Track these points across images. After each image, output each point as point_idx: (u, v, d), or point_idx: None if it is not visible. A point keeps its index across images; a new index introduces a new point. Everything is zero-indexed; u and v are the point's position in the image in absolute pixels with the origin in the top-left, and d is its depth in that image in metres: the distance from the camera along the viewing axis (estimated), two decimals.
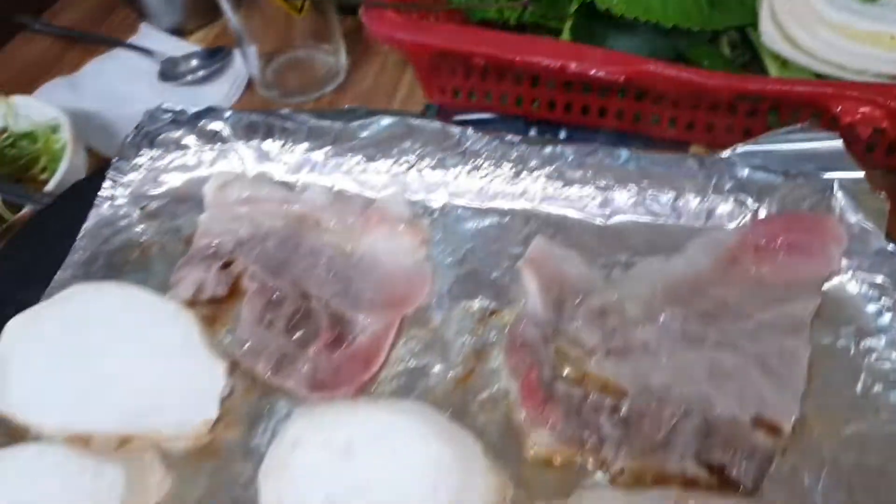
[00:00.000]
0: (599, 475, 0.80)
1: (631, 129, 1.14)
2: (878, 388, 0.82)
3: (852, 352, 0.85)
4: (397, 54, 1.37)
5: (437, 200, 1.06)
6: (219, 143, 1.13)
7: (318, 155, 1.11)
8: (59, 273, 1.03)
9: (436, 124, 1.07)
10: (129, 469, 0.85)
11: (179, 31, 1.56)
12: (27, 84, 1.47)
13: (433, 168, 1.07)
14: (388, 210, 1.06)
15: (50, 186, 1.16)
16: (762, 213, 0.97)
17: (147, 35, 1.55)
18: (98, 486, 0.83)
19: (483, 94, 1.21)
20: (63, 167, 1.18)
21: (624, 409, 0.82)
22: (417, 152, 1.07)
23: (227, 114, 1.13)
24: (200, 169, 1.13)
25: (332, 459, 0.81)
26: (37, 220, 1.11)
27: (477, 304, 0.95)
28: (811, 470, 0.77)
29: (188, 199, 1.11)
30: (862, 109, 0.94)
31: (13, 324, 0.97)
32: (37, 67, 1.54)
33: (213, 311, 1.00)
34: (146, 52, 1.49)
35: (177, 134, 1.13)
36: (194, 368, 0.92)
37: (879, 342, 0.85)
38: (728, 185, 0.99)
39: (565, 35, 1.18)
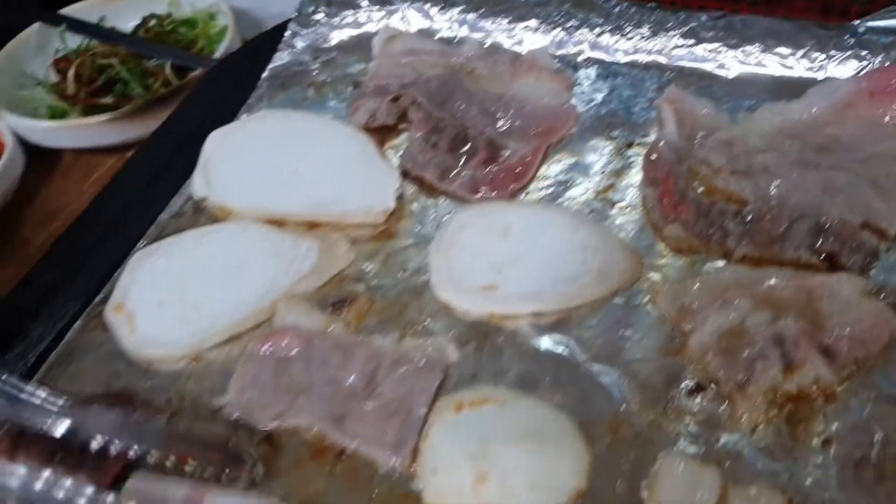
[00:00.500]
0: (721, 263, 0.93)
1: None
2: None
3: None
4: None
5: (581, 55, 1.20)
6: (387, 5, 1.30)
7: (473, 15, 1.26)
8: (245, 105, 1.21)
9: None
10: (320, 242, 1.02)
11: None
12: None
13: (578, 27, 1.22)
14: (535, 61, 1.21)
15: (217, 55, 1.35)
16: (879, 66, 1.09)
17: None
18: (295, 253, 1.01)
19: None
20: (225, 44, 1.36)
21: (746, 213, 0.95)
22: (564, 13, 1.22)
23: None
24: (369, 26, 1.31)
25: (493, 239, 0.97)
26: (216, 72, 1.30)
27: (616, 136, 1.09)
28: None
29: (358, 51, 1.29)
30: None
31: (215, 133, 1.16)
32: None
33: (381, 137, 1.16)
34: None
35: None
36: (373, 170, 1.08)
37: None
38: (849, 43, 1.10)
39: None
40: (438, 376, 0.84)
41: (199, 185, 1.08)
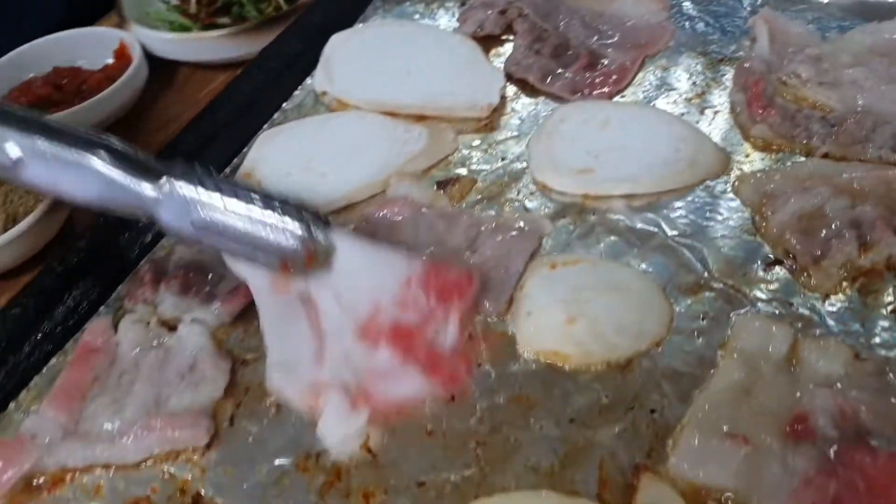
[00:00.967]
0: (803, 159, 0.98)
1: None
2: None
3: None
4: None
5: None
6: None
7: None
8: (361, 16, 1.31)
9: None
10: (429, 130, 1.10)
11: None
12: None
13: None
14: None
15: None
16: None
17: None
18: (407, 137, 1.09)
19: None
20: None
21: (831, 118, 0.99)
22: None
23: None
24: None
25: (592, 129, 1.03)
26: None
27: (709, 52, 1.14)
28: None
29: None
30: None
31: (336, 36, 1.24)
32: None
33: (487, 45, 1.23)
34: None
35: None
36: (479, 71, 1.16)
37: None
38: None
39: None
40: (534, 242, 0.91)
41: (321, 80, 1.18)
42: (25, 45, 1.33)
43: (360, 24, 1.25)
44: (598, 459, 0.73)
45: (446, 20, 1.27)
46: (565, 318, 0.80)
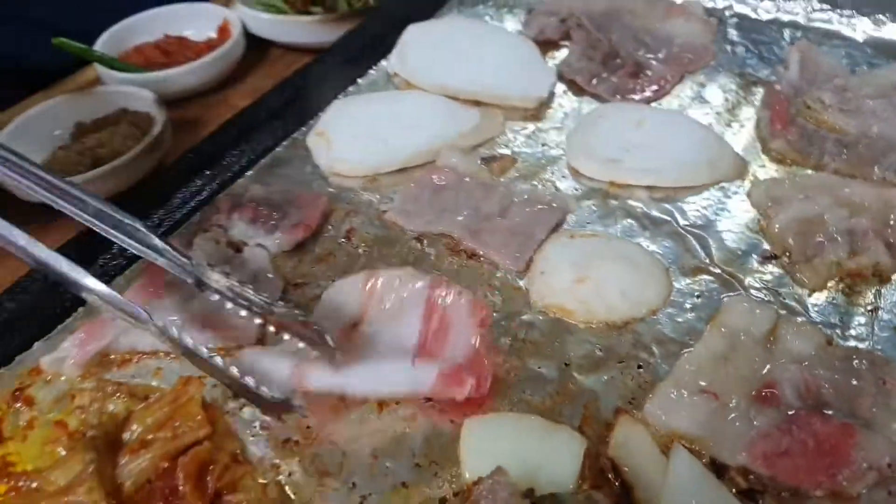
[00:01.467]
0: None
1: None
2: None
3: None
4: None
5: (728, 10, 1.32)
6: None
7: None
8: (437, 12, 1.41)
9: None
10: (482, 113, 1.18)
11: None
12: None
13: None
14: (687, 8, 1.33)
15: None
16: None
17: None
18: (461, 116, 1.17)
19: None
20: None
21: (845, 140, 1.04)
22: None
23: None
24: None
25: (627, 127, 1.09)
26: None
27: (745, 74, 1.20)
28: None
29: None
30: None
31: (413, 26, 1.33)
32: None
33: (545, 48, 1.31)
34: None
35: None
36: (533, 67, 1.23)
37: None
38: None
39: None
40: (559, 216, 0.99)
41: (395, 62, 1.27)
42: (143, 13, 1.44)
43: (436, 19, 1.33)
44: (585, 400, 0.79)
45: (512, 24, 1.35)
46: (574, 278, 0.87)
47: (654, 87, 1.15)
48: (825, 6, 1.23)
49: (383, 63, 1.27)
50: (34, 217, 0.93)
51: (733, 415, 0.73)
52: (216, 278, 0.81)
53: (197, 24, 1.45)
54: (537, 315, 0.86)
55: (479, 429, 0.74)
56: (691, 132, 1.05)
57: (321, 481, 0.74)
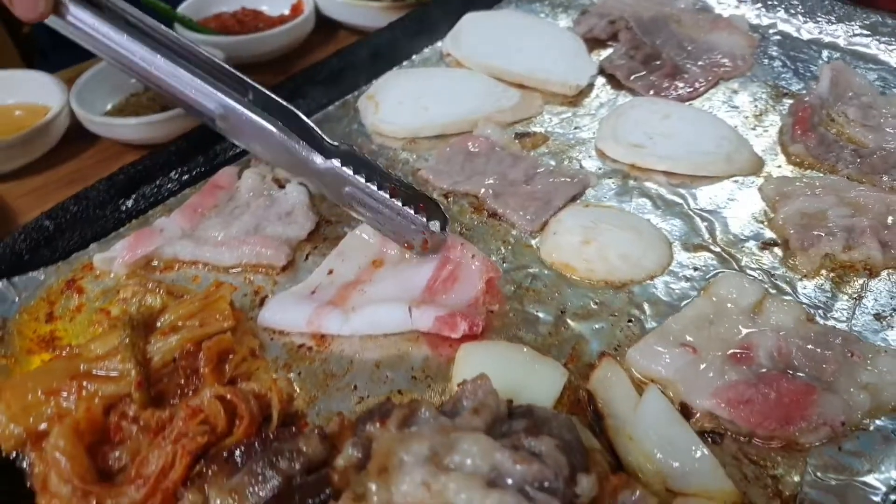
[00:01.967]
0: None
1: None
2: None
3: None
4: None
5: (772, 27, 1.40)
6: None
7: None
8: (497, 4, 1.52)
9: None
10: (522, 94, 1.29)
11: None
12: None
13: (776, 6, 1.42)
14: (732, 21, 1.42)
15: None
16: None
17: None
18: (502, 94, 1.27)
19: None
20: None
21: (861, 151, 1.12)
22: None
23: None
24: None
25: (655, 118, 1.18)
26: None
27: (777, 86, 1.28)
28: None
29: None
30: None
31: (470, 14, 1.44)
32: None
33: (591, 46, 1.41)
34: None
35: None
36: (578, 59, 1.32)
37: None
38: None
39: None
40: (578, 188, 1.08)
41: (449, 43, 1.38)
42: None
43: (493, 10, 1.44)
44: (574, 343, 0.88)
45: (564, 22, 1.45)
46: (581, 239, 0.96)
47: (688, 89, 1.23)
48: (866, 32, 1.29)
49: (438, 44, 1.38)
50: None
51: (708, 367, 0.80)
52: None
53: (273, 1, 1.56)
54: (543, 269, 0.95)
55: (473, 351, 0.84)
56: (714, 128, 1.13)
57: (326, 382, 0.85)
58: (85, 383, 0.80)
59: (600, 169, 1.10)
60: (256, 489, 0.68)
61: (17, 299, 0.93)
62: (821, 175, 1.06)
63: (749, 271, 0.93)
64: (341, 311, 0.91)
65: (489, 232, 1.01)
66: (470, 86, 1.25)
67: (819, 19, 1.34)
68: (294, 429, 0.75)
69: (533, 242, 0.99)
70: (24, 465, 0.77)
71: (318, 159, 0.92)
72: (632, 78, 1.25)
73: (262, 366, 0.86)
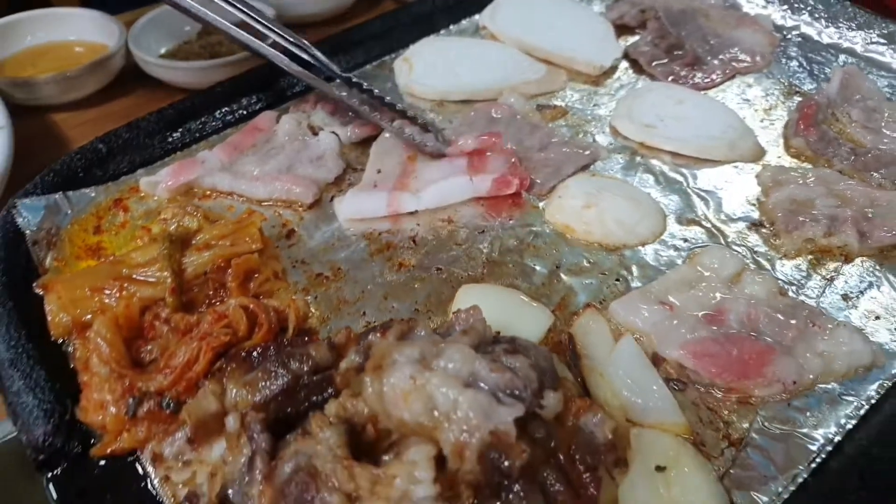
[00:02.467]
0: None
1: None
2: None
3: None
4: None
5: (795, 29, 1.49)
6: None
7: None
8: None
9: None
10: (549, 69, 1.39)
11: None
12: None
13: (801, 10, 1.50)
14: (758, 20, 1.51)
15: None
16: None
17: None
18: (529, 67, 1.36)
19: None
20: None
21: (858, 150, 1.21)
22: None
23: None
24: None
25: (669, 102, 1.27)
26: None
27: (791, 84, 1.37)
28: None
29: None
30: None
31: None
32: None
33: (620, 31, 1.51)
34: None
35: None
36: (605, 42, 1.42)
37: None
38: None
39: None
40: (588, 160, 1.18)
41: (486, 17, 1.49)
42: None
43: None
44: (563, 293, 0.98)
45: (598, 7, 1.55)
46: (583, 204, 1.07)
47: (706, 79, 1.33)
48: (882, 41, 1.37)
49: (476, 17, 1.49)
50: None
51: (681, 324, 0.91)
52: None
53: None
54: (545, 228, 1.06)
55: (471, 291, 0.95)
56: (723, 116, 1.22)
57: (339, 307, 0.96)
58: (126, 285, 0.91)
59: (611, 144, 1.19)
60: (268, 384, 0.79)
61: (69, 211, 1.04)
62: (816, 168, 1.14)
63: (734, 247, 1.02)
64: (409, 193, 1.07)
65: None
66: (499, 57, 1.35)
67: (840, 25, 1.42)
68: (306, 338, 0.86)
69: (540, 204, 1.09)
70: (70, 349, 0.88)
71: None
72: (653, 64, 1.34)
73: (283, 287, 0.97)
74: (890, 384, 0.85)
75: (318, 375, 0.77)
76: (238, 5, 1.16)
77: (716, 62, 1.34)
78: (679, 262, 1.00)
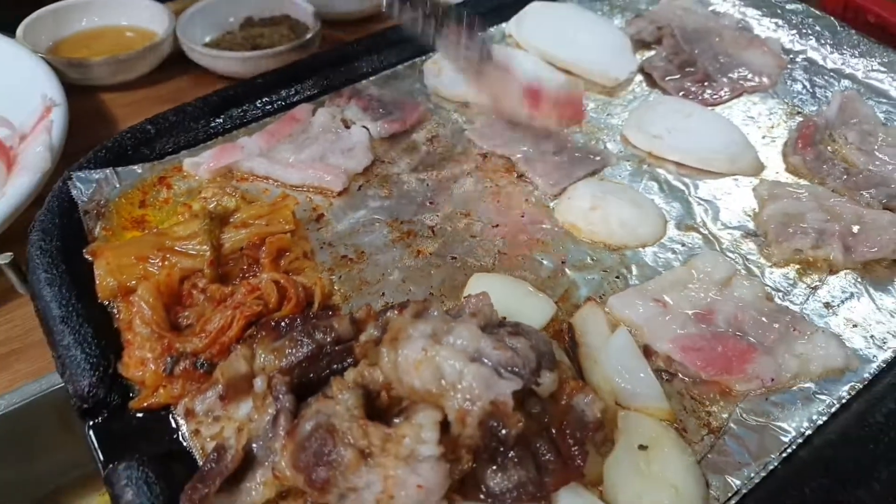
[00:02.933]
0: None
1: None
2: None
3: None
4: None
5: (801, 53, 1.54)
6: None
7: (742, 3, 1.63)
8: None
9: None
10: (566, 78, 1.45)
11: None
12: None
13: (808, 35, 1.55)
14: (767, 43, 1.56)
15: None
16: None
17: None
18: (549, 76, 1.43)
19: None
20: None
21: (851, 170, 1.27)
22: (806, 24, 1.56)
23: None
24: None
25: (677, 115, 1.32)
26: None
27: (793, 104, 1.42)
28: None
29: None
30: None
31: (536, 3, 1.60)
32: None
33: (637, 46, 1.57)
34: None
35: None
36: (621, 56, 1.47)
37: None
38: None
39: None
40: (598, 165, 1.23)
41: (512, 26, 1.54)
42: None
43: (557, 2, 1.61)
44: (567, 287, 1.05)
45: (618, 22, 1.61)
46: (589, 206, 1.13)
47: (714, 96, 1.38)
48: (883, 69, 1.42)
49: (503, 25, 1.55)
50: None
51: (672, 320, 0.97)
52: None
53: None
54: (554, 227, 1.12)
55: (482, 279, 1.01)
56: (727, 132, 1.27)
57: (360, 287, 1.03)
58: (168, 255, 0.98)
59: (621, 152, 1.25)
60: (294, 351, 0.85)
61: (118, 185, 1.12)
62: (810, 184, 1.20)
63: (728, 253, 1.08)
64: None
65: (516, 190, 1.17)
66: (521, 63, 1.40)
67: (844, 51, 1.47)
68: (330, 313, 0.93)
69: (551, 204, 1.15)
70: (114, 311, 0.95)
71: None
72: (666, 79, 1.40)
73: (310, 266, 1.04)
74: (861, 386, 0.90)
75: (340, 346, 0.83)
76: None
77: (725, 80, 1.39)
78: (676, 264, 1.05)
